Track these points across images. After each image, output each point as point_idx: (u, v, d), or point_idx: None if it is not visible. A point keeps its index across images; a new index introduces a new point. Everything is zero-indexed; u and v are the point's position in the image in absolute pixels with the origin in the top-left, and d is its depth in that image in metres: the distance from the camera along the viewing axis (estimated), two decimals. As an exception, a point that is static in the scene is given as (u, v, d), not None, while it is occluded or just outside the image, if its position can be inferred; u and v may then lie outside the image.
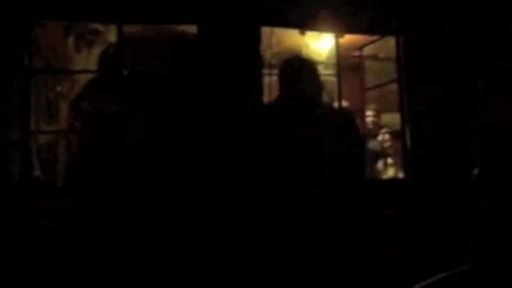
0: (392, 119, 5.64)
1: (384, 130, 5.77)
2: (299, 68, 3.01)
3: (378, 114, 5.88)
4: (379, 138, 5.77)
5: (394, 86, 5.23)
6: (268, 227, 3.34)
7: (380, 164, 5.52)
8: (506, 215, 3.66)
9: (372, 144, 5.69)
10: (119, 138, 4.37)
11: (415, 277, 2.80)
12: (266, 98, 4.74)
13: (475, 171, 4.16)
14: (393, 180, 5.20)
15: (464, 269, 2.86)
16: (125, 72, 4.46)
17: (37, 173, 4.46)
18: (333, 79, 4.92)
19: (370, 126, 5.80)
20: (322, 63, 5.35)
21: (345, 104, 5.10)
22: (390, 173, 5.36)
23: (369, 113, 5.79)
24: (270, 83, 4.96)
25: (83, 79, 5.16)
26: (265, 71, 4.81)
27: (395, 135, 5.40)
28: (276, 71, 5.12)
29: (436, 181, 4.69)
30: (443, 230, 4.10)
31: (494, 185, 3.94)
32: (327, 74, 5.20)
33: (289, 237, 3.26)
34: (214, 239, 3.61)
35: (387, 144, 5.44)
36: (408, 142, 4.99)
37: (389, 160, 5.40)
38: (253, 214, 3.48)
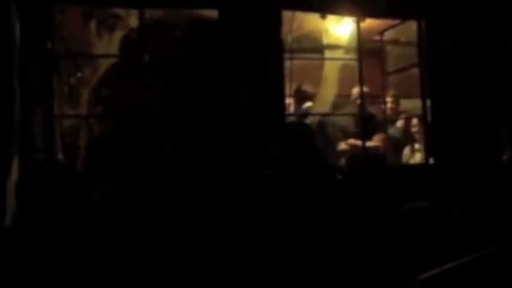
0: (412, 104, 5.60)
1: (403, 115, 5.72)
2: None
3: (396, 100, 5.84)
4: (398, 124, 5.73)
5: (414, 72, 5.20)
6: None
7: (407, 150, 5.49)
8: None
9: (391, 131, 5.65)
10: (139, 123, 4.39)
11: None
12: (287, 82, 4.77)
13: (505, 155, 4.14)
14: (416, 166, 5.17)
15: (493, 251, 2.84)
16: (146, 57, 4.48)
17: (60, 156, 4.51)
18: (354, 63, 4.90)
19: (389, 112, 5.76)
20: (343, 47, 5.31)
21: (365, 89, 5.08)
22: (417, 158, 5.32)
23: (387, 99, 5.75)
24: (291, 67, 4.95)
25: (104, 65, 5.19)
26: (287, 55, 4.79)
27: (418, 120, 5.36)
28: (296, 55, 5.13)
29: (460, 165, 4.66)
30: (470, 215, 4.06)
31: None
32: (347, 58, 5.17)
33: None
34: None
35: (415, 129, 5.40)
36: (430, 127, 4.97)
37: (417, 145, 5.36)
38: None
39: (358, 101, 5.14)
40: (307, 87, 5.54)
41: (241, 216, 3.55)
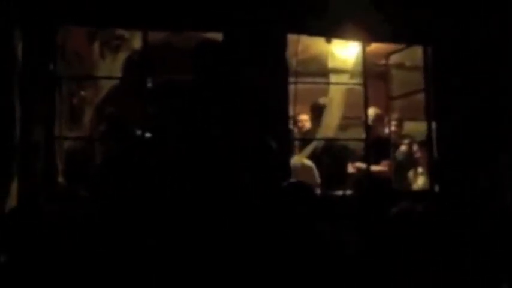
0: (416, 127, 5.55)
1: (406, 140, 5.66)
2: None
3: (399, 123, 5.77)
4: (402, 148, 5.67)
5: (419, 95, 5.14)
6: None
7: (410, 173, 5.44)
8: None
9: (396, 155, 5.58)
10: (143, 145, 4.34)
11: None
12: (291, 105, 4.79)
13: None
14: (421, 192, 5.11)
15: None
16: (149, 79, 4.44)
17: (60, 179, 4.44)
18: (359, 88, 4.85)
19: (392, 136, 5.69)
20: (348, 71, 5.25)
21: (379, 112, 5.21)
22: (420, 182, 5.26)
23: (392, 122, 5.68)
24: (296, 91, 4.92)
25: (108, 85, 5.14)
26: (291, 78, 4.76)
27: (421, 145, 5.31)
28: (301, 79, 5.08)
29: (463, 192, 4.59)
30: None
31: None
32: (352, 83, 5.12)
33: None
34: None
35: (417, 155, 5.36)
36: (435, 152, 4.91)
37: (420, 169, 5.31)
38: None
39: (371, 123, 5.11)
40: (325, 101, 5.41)
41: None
